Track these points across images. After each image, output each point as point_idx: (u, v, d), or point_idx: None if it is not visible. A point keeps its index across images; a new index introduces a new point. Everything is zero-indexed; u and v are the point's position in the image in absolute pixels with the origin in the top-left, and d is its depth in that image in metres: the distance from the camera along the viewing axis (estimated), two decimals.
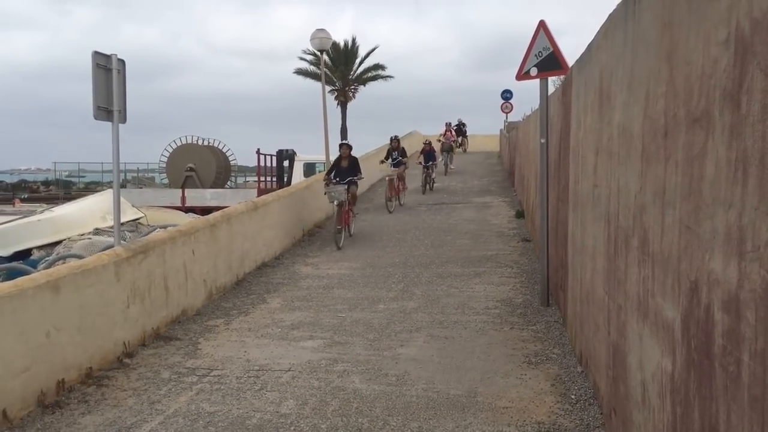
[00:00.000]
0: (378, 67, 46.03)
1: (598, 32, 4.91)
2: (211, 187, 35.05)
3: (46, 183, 58.54)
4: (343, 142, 14.19)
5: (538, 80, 7.96)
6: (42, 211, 18.57)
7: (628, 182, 3.77)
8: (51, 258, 12.17)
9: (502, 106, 35.57)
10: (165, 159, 37.57)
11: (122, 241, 8.42)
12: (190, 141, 37.66)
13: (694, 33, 2.62)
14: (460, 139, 34.68)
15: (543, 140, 7.92)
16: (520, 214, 15.15)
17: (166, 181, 39.62)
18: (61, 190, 50.39)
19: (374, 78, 46.23)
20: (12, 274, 9.65)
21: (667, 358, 2.94)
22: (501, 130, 36.10)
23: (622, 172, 3.93)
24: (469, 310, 7.91)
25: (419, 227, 14.36)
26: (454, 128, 32.74)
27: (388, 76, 46.63)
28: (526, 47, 7.92)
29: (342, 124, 45.85)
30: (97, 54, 7.59)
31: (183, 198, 32.37)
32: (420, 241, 12.85)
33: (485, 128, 38.08)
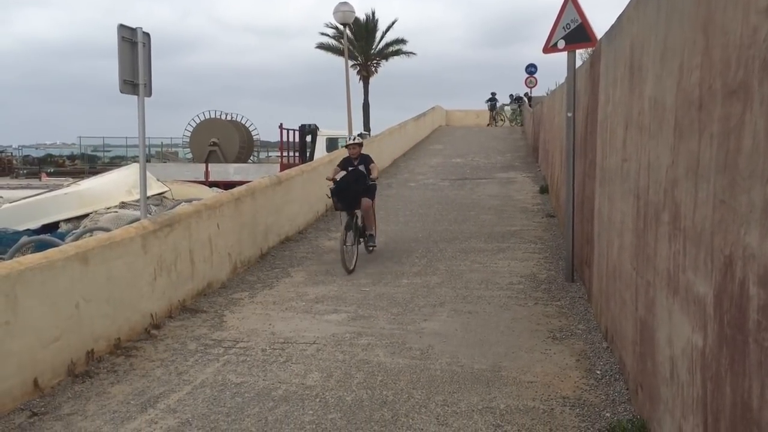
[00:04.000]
0: (400, 41, 45.71)
1: (629, 3, 4.80)
2: (234, 162, 35.18)
3: (72, 157, 59.30)
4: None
5: (564, 53, 7.83)
6: (68, 185, 18.81)
7: (659, 156, 3.71)
8: (78, 231, 12.34)
9: (526, 80, 35.10)
10: (189, 134, 37.74)
11: (148, 215, 8.50)
12: (213, 116, 37.77)
13: (733, 1, 2.55)
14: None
15: (570, 114, 7.81)
16: (544, 190, 15.04)
17: (189, 155, 39.83)
18: (87, 164, 50.99)
19: (397, 53, 45.92)
20: (41, 246, 9.81)
21: (698, 333, 2.91)
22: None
23: (653, 146, 3.86)
24: (493, 285, 7.89)
25: (442, 202, 14.31)
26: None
27: (410, 52, 46.34)
28: (552, 20, 7.79)
29: (364, 99, 45.65)
30: (122, 27, 7.60)
31: (207, 172, 32.54)
32: (443, 216, 12.81)
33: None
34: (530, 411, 4.54)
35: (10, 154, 61.38)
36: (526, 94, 36.51)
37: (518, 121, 35.84)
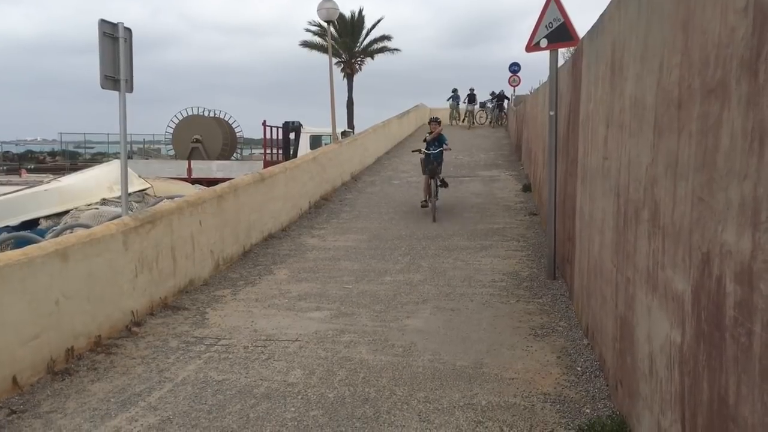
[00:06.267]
0: (385, 38, 45.69)
1: (611, 2, 4.83)
2: (217, 159, 35.00)
3: (53, 154, 58.64)
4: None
5: (547, 52, 7.87)
6: (49, 182, 18.61)
7: (639, 154, 3.74)
8: (59, 227, 12.22)
9: (509, 79, 35.12)
10: (171, 130, 37.49)
11: (129, 211, 8.44)
12: (195, 112, 37.54)
13: (711, 1, 2.57)
14: None
15: (552, 113, 7.85)
16: (527, 188, 15.11)
17: (172, 152, 39.58)
18: (68, 160, 50.48)
19: (381, 50, 45.91)
20: (20, 243, 9.70)
21: (676, 330, 2.94)
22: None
23: (634, 145, 3.89)
24: (476, 283, 7.92)
25: None
26: None
27: (395, 49, 46.31)
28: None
29: (348, 97, 45.63)
30: (103, 22, 7.53)
31: (189, 169, 32.34)
32: (427, 213, 12.83)
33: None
34: (511, 407, 4.57)
35: None
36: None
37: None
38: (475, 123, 33.97)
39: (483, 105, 35.99)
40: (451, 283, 7.97)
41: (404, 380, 5.08)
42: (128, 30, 7.89)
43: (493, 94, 35.87)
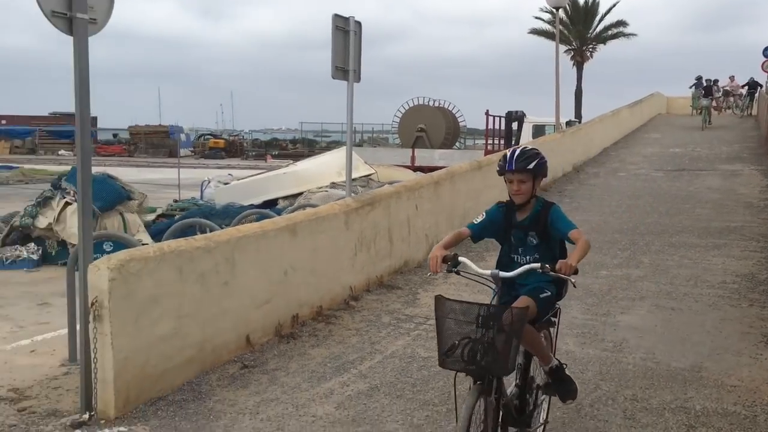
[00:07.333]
0: (620, 23, 43.35)
1: None
2: (440, 148, 35.75)
3: (294, 141, 64.17)
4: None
5: None
6: (287, 166, 20.39)
7: None
8: (292, 207, 13.34)
9: (762, 64, 31.55)
10: (397, 119, 38.99)
11: (353, 194, 8.99)
12: (421, 102, 38.64)
13: None
14: None
15: None
16: None
17: (398, 141, 41.18)
18: (306, 147, 54.83)
19: (615, 36, 43.66)
20: (261, 218, 10.77)
21: None
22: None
23: None
24: (702, 283, 7.33)
25: (653, 194, 13.47)
26: None
27: (631, 34, 43.78)
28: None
29: (577, 86, 44.11)
30: (336, 17, 8.05)
31: (413, 157, 33.38)
32: (653, 208, 12.07)
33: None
34: (729, 415, 4.20)
35: (241, 137, 67.78)
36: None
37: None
38: (711, 123, 29.14)
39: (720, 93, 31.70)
40: (674, 281, 7.45)
41: (611, 376, 4.90)
42: (358, 23, 8.36)
43: (706, 80, 31.64)
